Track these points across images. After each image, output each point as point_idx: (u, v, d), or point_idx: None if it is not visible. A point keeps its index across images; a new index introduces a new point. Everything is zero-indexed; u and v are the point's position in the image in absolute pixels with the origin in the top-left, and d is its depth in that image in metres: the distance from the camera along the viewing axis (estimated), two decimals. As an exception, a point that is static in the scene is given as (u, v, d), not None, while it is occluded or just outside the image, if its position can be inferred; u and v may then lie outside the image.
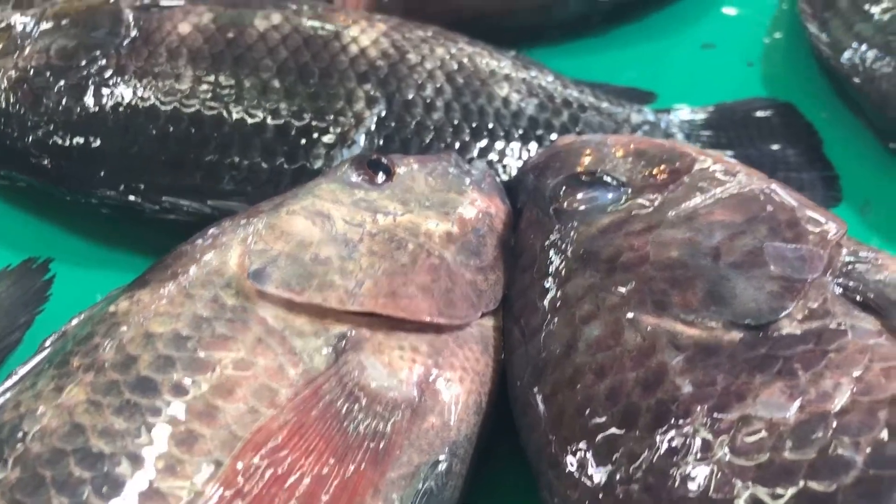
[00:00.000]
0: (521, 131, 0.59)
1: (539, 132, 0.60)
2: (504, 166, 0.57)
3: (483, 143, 0.58)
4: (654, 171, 0.47)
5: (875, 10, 0.67)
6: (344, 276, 0.44)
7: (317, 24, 0.61)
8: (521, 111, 0.59)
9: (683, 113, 0.66)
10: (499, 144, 0.58)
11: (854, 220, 0.62)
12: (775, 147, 0.65)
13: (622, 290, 0.42)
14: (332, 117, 0.56)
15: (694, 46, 0.74)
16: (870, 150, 0.65)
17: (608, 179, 0.47)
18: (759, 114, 0.67)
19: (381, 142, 0.56)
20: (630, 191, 0.46)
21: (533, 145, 0.58)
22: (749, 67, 0.72)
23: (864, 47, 0.65)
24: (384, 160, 0.50)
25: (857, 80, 0.65)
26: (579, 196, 0.47)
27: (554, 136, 0.61)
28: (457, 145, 0.57)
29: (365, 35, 0.60)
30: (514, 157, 0.58)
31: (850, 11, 0.69)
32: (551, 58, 0.71)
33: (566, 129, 0.61)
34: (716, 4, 0.77)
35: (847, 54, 0.67)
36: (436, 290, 0.45)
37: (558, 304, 0.44)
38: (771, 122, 0.67)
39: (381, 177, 0.49)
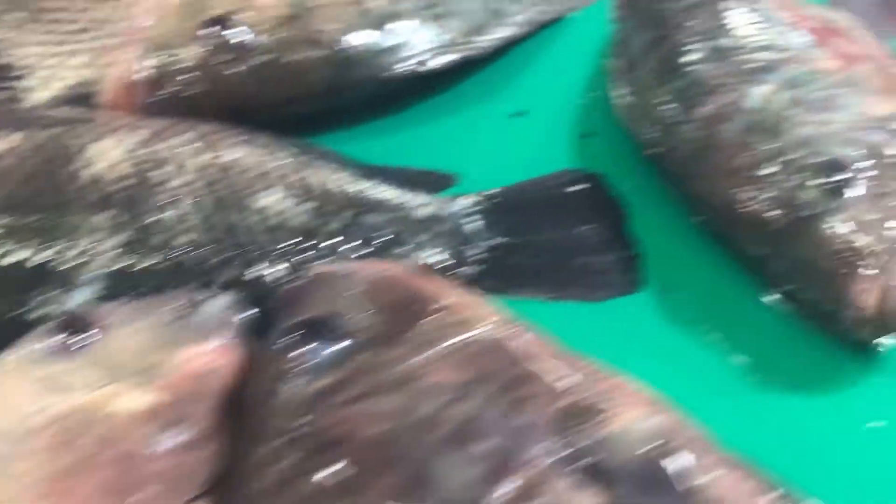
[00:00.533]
0: (285, 248, 0.54)
1: (312, 244, 0.55)
2: (258, 297, 0.51)
3: (236, 269, 0.53)
4: (387, 319, 0.43)
5: (676, 78, 0.62)
6: (6, 481, 0.40)
7: (59, 142, 0.56)
8: (286, 222, 0.55)
9: (476, 199, 0.61)
10: (259, 267, 0.53)
11: (658, 303, 0.59)
12: (575, 228, 0.61)
13: (324, 474, 0.38)
14: (56, 256, 0.51)
15: (502, 116, 0.70)
16: (677, 222, 0.62)
17: (337, 328, 0.42)
18: (562, 190, 0.63)
19: (111, 284, 0.50)
20: (359, 343, 0.42)
21: (305, 263, 0.53)
22: (561, 136, 0.68)
23: (665, 114, 0.63)
24: (82, 319, 0.45)
25: (658, 148, 0.62)
26: (303, 349, 0.42)
27: (329, 244, 0.57)
28: (202, 276, 0.52)
29: (110, 152, 0.55)
30: (276, 282, 0.53)
31: (652, 77, 0.67)
32: (346, 142, 0.67)
33: (345, 236, 0.56)
34: (527, 68, 0.73)
35: (649, 121, 0.65)
36: (120, 488, 0.40)
37: (266, 488, 0.39)
38: (574, 199, 0.63)
39: (78, 340, 0.44)
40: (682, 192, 0.61)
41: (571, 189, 0.63)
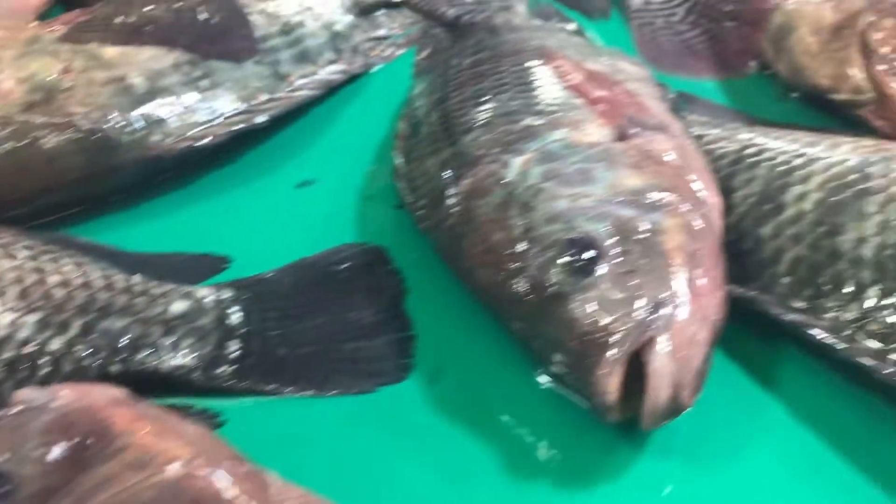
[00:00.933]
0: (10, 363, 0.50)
1: (31, 365, 0.50)
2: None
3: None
4: (61, 462, 0.38)
5: (445, 147, 0.59)
6: None
7: None
8: (11, 336, 0.50)
9: (240, 287, 0.57)
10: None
11: (427, 389, 0.54)
12: (349, 310, 0.57)
13: None
14: None
15: (287, 187, 0.67)
16: (453, 298, 0.58)
17: (4, 481, 0.38)
18: (340, 267, 0.60)
19: None
20: (26, 497, 0.37)
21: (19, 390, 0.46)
22: (349, 206, 0.65)
23: (432, 186, 0.59)
24: None
25: (427, 222, 0.59)
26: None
27: (65, 354, 0.52)
28: None
29: None
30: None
31: (426, 145, 0.62)
32: (113, 228, 0.63)
33: (83, 345, 0.51)
34: (320, 132, 0.70)
35: (419, 194, 0.61)
36: None
37: None
38: (352, 276, 0.60)
39: None
40: (452, 267, 0.58)
41: (349, 266, 0.60)
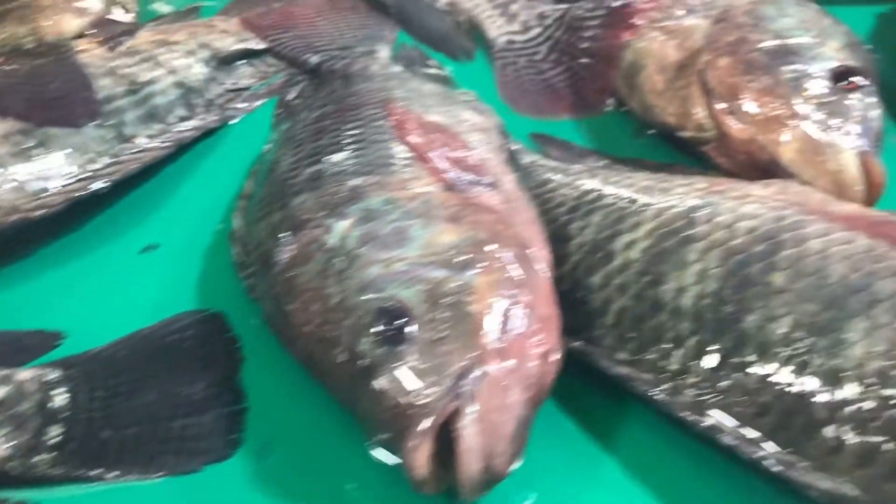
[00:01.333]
0: None
1: None
2: None
3: None
4: None
5: (276, 210, 0.58)
6: None
7: None
8: None
9: (63, 366, 0.55)
10: None
11: (257, 465, 0.53)
12: (180, 384, 0.56)
13: None
14: None
15: (129, 254, 0.65)
16: (286, 367, 0.57)
17: None
18: (177, 337, 0.59)
19: None
20: None
21: None
22: (190, 270, 0.63)
23: (261, 252, 0.57)
24: None
25: (255, 292, 0.58)
26: None
27: None
28: None
29: None
30: None
31: (259, 207, 0.60)
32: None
33: None
34: (162, 198, 0.68)
35: (249, 260, 0.60)
36: None
37: None
38: (187, 347, 0.58)
39: None
40: (279, 339, 0.56)
41: (185, 336, 0.59)
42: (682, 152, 0.71)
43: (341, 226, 0.54)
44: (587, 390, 0.56)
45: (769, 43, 0.66)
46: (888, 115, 0.78)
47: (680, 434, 0.53)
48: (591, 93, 0.79)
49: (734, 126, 0.64)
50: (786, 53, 0.65)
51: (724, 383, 0.49)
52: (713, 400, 0.49)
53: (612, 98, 0.77)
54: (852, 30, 0.73)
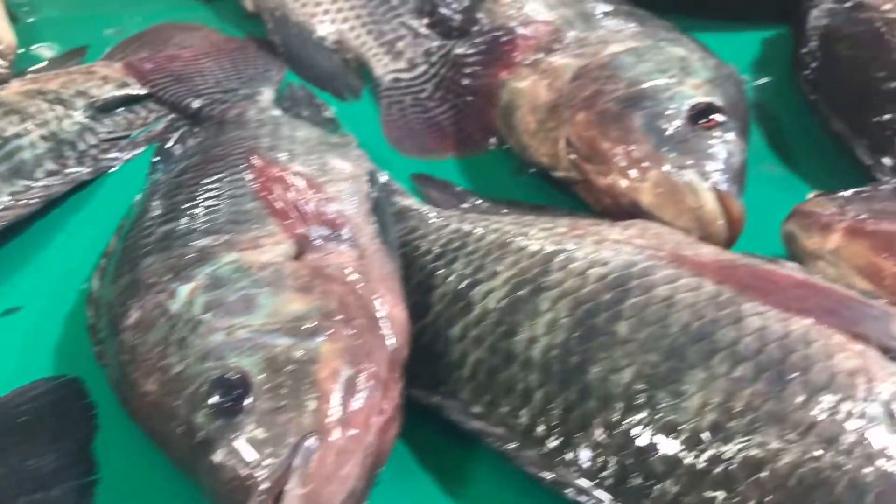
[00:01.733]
0: None
1: None
2: None
3: None
4: None
5: (125, 272, 0.55)
6: None
7: None
8: None
9: None
10: None
11: None
12: (32, 456, 0.53)
13: None
14: None
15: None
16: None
17: None
18: (29, 406, 0.56)
19: None
20: None
21: None
22: (51, 334, 0.61)
23: (108, 316, 0.57)
24: None
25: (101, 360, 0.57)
26: None
27: None
28: None
29: None
30: None
31: (113, 268, 0.60)
32: None
33: None
34: (26, 258, 0.66)
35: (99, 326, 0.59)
36: None
37: None
38: (40, 416, 0.56)
39: None
40: (125, 409, 0.54)
41: (38, 405, 0.56)
42: (561, 191, 0.72)
43: (185, 290, 0.52)
44: (436, 437, 0.55)
45: (622, 91, 0.66)
46: (771, 141, 0.82)
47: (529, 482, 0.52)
48: (474, 131, 0.78)
49: (595, 175, 0.64)
50: (639, 98, 0.65)
51: (569, 438, 0.49)
52: (558, 457, 0.48)
53: (494, 136, 0.78)
54: (724, 62, 0.72)
